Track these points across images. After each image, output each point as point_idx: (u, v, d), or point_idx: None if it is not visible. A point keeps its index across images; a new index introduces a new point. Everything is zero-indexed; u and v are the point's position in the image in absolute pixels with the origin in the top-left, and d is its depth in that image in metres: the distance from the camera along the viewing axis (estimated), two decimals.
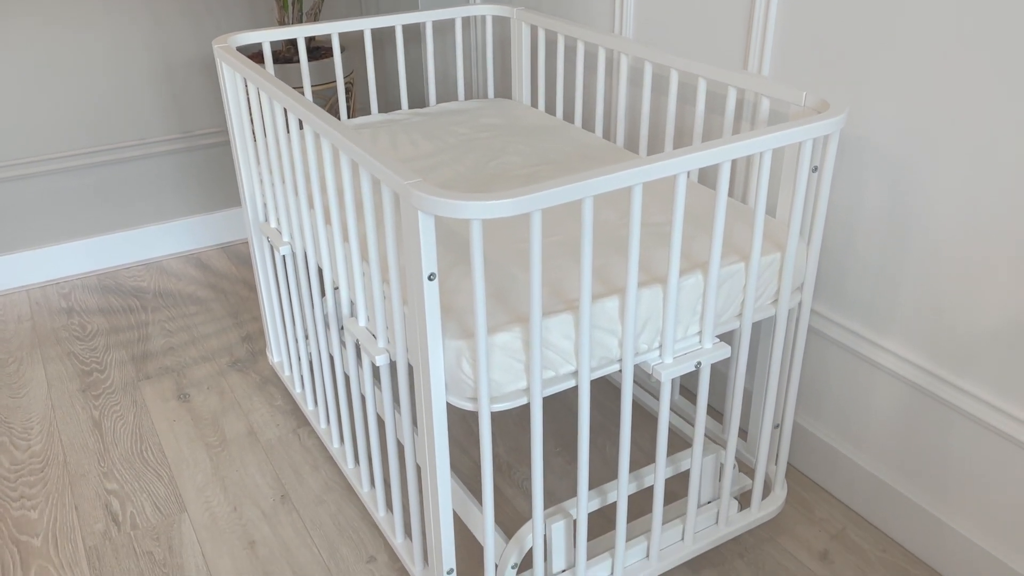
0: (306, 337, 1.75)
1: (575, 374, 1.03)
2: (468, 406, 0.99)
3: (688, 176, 1.41)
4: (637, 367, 1.68)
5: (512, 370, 0.99)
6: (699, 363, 1.09)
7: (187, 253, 2.36)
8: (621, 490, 1.13)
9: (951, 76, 1.09)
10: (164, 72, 2.20)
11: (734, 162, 1.44)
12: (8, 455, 1.59)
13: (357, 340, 1.16)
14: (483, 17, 1.99)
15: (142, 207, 2.29)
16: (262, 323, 1.98)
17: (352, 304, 1.22)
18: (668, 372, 1.07)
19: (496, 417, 1.66)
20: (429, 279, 0.91)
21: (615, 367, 1.06)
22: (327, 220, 1.25)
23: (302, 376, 1.64)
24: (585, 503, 1.10)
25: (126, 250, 2.30)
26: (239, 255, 2.35)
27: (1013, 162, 1.05)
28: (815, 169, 1.16)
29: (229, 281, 2.21)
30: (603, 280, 1.07)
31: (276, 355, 1.75)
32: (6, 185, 2.12)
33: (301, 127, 1.95)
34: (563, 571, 1.19)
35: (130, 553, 1.37)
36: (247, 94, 1.43)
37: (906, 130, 1.16)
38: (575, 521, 1.16)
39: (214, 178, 2.35)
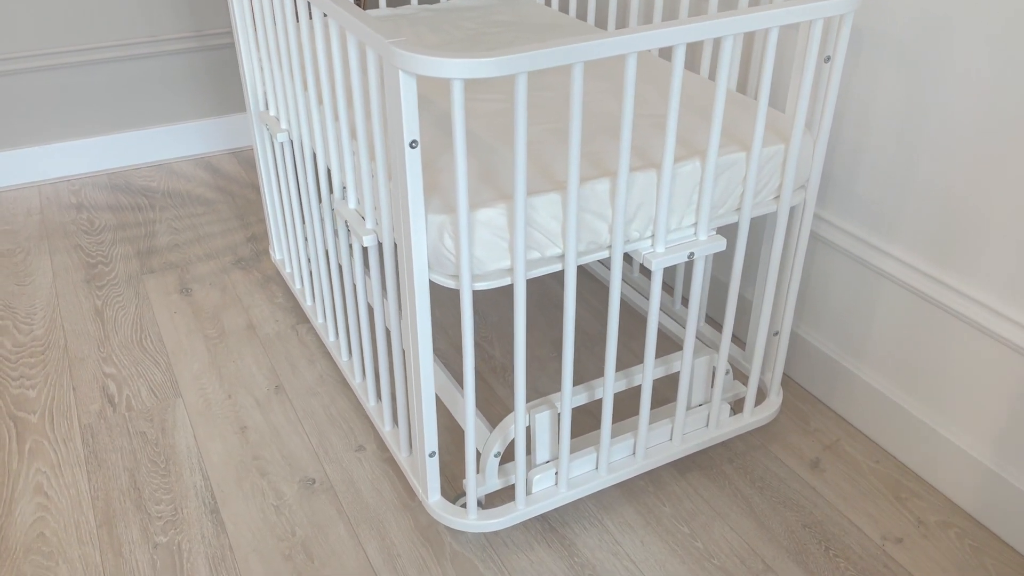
0: (305, 239, 1.74)
1: (562, 258, 1.01)
2: (450, 284, 0.98)
3: (699, 72, 1.36)
4: (629, 257, 1.65)
5: (496, 248, 0.96)
6: (692, 254, 1.06)
7: (198, 156, 2.35)
8: (607, 381, 1.11)
9: None
10: None
11: (746, 56, 1.38)
12: (10, 337, 1.61)
13: (347, 222, 1.14)
14: None
15: (154, 107, 2.27)
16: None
17: (344, 187, 1.20)
18: (659, 261, 1.04)
19: (495, 320, 1.65)
20: (411, 146, 0.89)
21: (604, 253, 1.03)
22: (320, 101, 1.22)
23: (302, 273, 1.63)
24: (569, 391, 1.09)
25: (137, 150, 2.29)
26: (249, 160, 2.33)
27: None
28: (827, 59, 1.10)
29: (238, 184, 2.19)
30: (596, 164, 1.04)
31: (278, 252, 1.74)
32: (20, 77, 2.10)
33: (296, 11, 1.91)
34: (547, 462, 1.18)
35: (123, 432, 1.38)
36: None
37: (925, 22, 1.10)
38: (560, 413, 1.15)
39: (226, 81, 2.32)
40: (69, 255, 1.88)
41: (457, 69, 0.82)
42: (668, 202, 1.01)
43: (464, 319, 0.98)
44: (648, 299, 1.57)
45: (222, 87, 2.32)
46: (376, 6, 2.44)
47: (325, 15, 1.23)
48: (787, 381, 1.48)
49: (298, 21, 1.20)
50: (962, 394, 1.19)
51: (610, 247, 1.03)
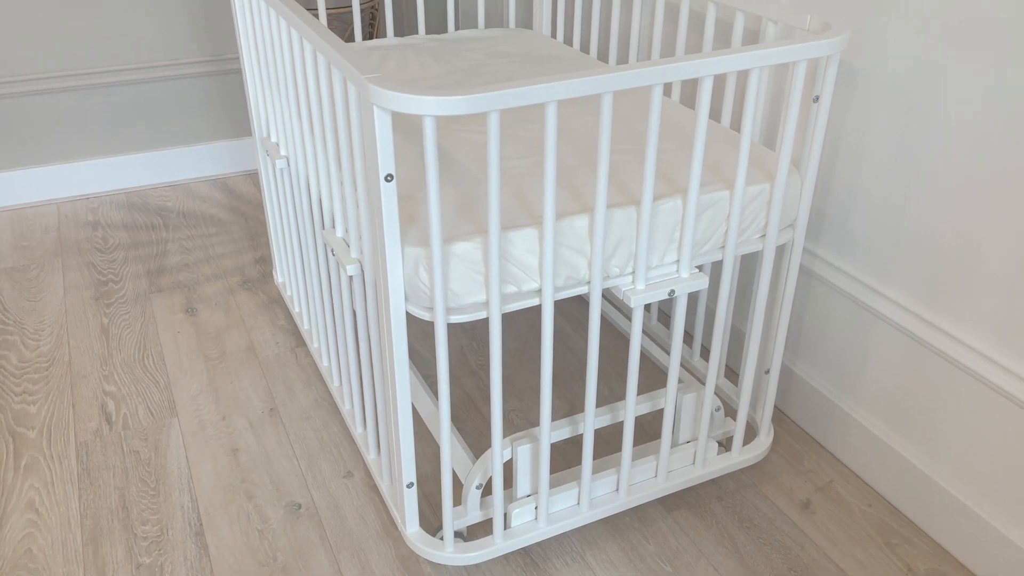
0: (302, 263, 1.75)
1: (539, 292, 1.01)
2: (426, 316, 0.98)
3: (695, 111, 1.36)
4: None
5: (472, 281, 0.97)
6: (672, 291, 1.05)
7: (214, 177, 2.39)
8: (588, 417, 1.11)
9: (967, 6, 1.01)
10: None
11: (740, 94, 1.38)
12: (17, 353, 1.64)
13: (333, 250, 1.15)
14: None
15: (173, 129, 2.32)
16: None
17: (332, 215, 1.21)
18: (639, 298, 1.03)
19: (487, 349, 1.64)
20: (386, 180, 0.89)
21: (583, 289, 1.03)
22: (311, 130, 1.24)
23: (299, 297, 1.65)
24: (548, 425, 1.08)
25: (155, 170, 2.34)
26: None
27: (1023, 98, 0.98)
28: (816, 99, 1.10)
29: (252, 206, 2.23)
30: (577, 199, 1.04)
31: (280, 275, 1.76)
32: (43, 97, 2.16)
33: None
34: (528, 496, 1.17)
35: (117, 451, 1.40)
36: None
37: (919, 63, 1.09)
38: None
39: (242, 104, 2.36)
40: (81, 272, 1.92)
41: (428, 106, 0.82)
42: (648, 239, 1.01)
43: (439, 351, 0.99)
44: (647, 333, 1.56)
45: (239, 110, 2.37)
46: (385, 35, 2.48)
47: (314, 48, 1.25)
48: (783, 419, 1.46)
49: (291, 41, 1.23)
50: (955, 440, 1.17)
51: (589, 283, 1.02)
